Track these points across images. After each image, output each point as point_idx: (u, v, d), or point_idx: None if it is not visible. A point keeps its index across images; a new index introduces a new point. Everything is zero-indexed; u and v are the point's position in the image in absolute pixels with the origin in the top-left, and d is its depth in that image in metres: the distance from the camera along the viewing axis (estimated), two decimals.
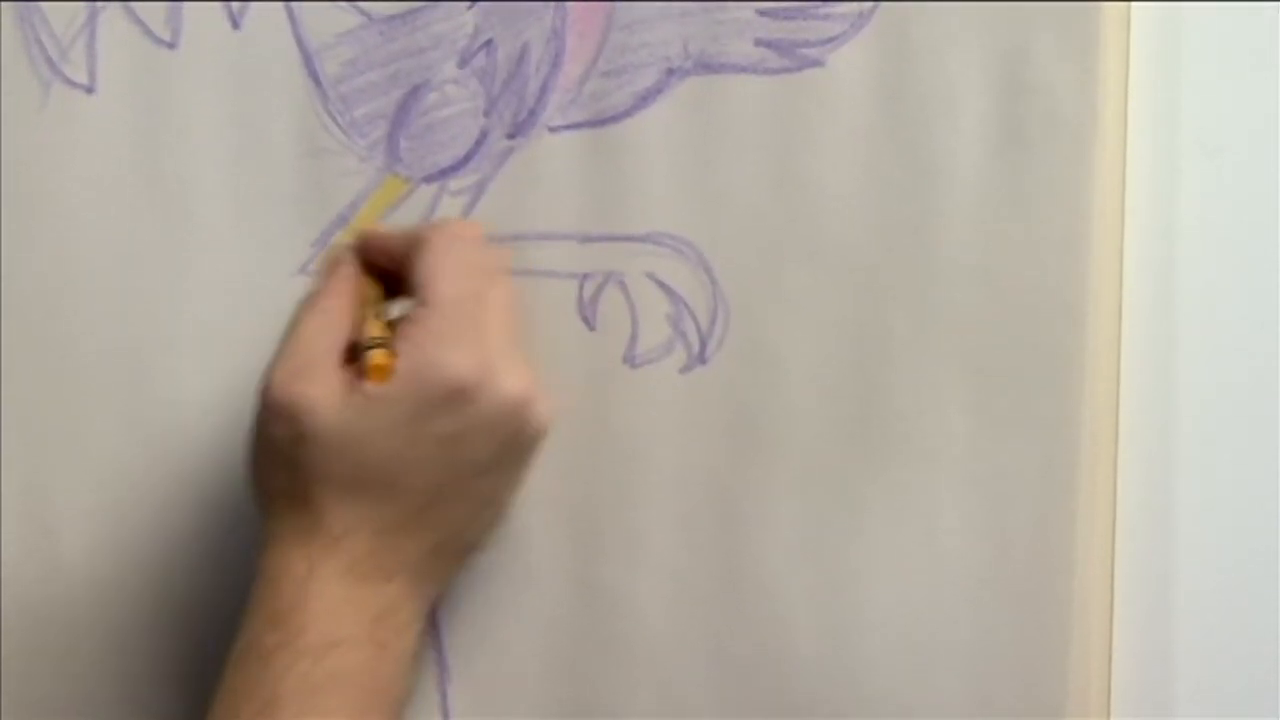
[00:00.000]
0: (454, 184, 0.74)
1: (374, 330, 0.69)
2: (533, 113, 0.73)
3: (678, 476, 0.71)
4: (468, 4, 0.73)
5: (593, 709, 0.73)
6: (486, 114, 0.73)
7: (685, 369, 0.71)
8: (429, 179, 0.74)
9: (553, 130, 0.73)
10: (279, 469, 0.68)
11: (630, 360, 0.72)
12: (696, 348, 0.71)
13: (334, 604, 0.66)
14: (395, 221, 0.75)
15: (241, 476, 0.75)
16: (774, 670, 0.71)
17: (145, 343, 0.79)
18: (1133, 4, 0.67)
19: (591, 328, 0.72)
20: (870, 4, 0.68)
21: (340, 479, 0.67)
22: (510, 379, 0.67)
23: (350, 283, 0.70)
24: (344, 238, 0.75)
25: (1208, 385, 0.68)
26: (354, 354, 0.69)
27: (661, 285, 0.71)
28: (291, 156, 0.76)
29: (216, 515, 0.78)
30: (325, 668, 0.65)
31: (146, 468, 0.79)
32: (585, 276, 0.72)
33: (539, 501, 0.72)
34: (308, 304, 0.70)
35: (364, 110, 0.75)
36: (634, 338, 0.72)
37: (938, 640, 0.68)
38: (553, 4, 0.72)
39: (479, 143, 0.73)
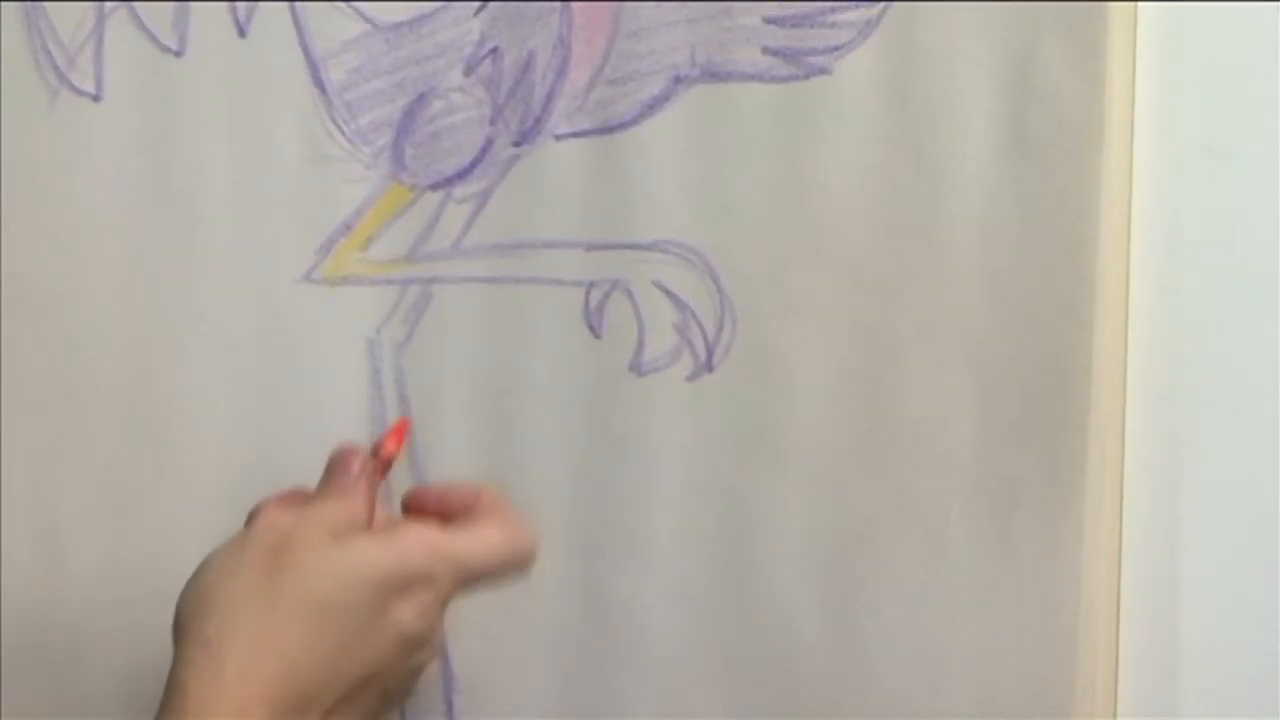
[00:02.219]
0: (459, 192, 0.74)
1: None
2: (539, 120, 0.73)
3: (685, 484, 0.72)
4: (473, 12, 0.73)
5: (601, 714, 0.73)
6: (492, 121, 0.73)
7: (692, 377, 0.71)
8: (434, 186, 0.74)
9: (559, 138, 0.73)
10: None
11: (637, 368, 0.72)
12: (703, 355, 0.71)
13: None
14: (400, 228, 0.75)
15: (242, 476, 0.76)
16: (781, 675, 0.71)
17: (150, 347, 0.79)
18: (1139, 8, 0.67)
19: (598, 336, 0.72)
20: (876, 11, 0.68)
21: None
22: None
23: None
24: (347, 244, 0.75)
25: (1214, 390, 0.68)
26: None
27: (668, 293, 0.71)
28: (297, 163, 0.76)
29: (219, 518, 0.78)
30: None
31: (150, 471, 0.79)
32: (592, 284, 0.72)
33: (546, 510, 0.72)
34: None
35: (369, 118, 0.75)
36: (641, 346, 0.72)
37: (945, 644, 0.68)
38: (559, 11, 0.72)
39: (484, 150, 0.73)
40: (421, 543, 0.66)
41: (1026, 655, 0.67)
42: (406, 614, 0.65)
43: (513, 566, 0.68)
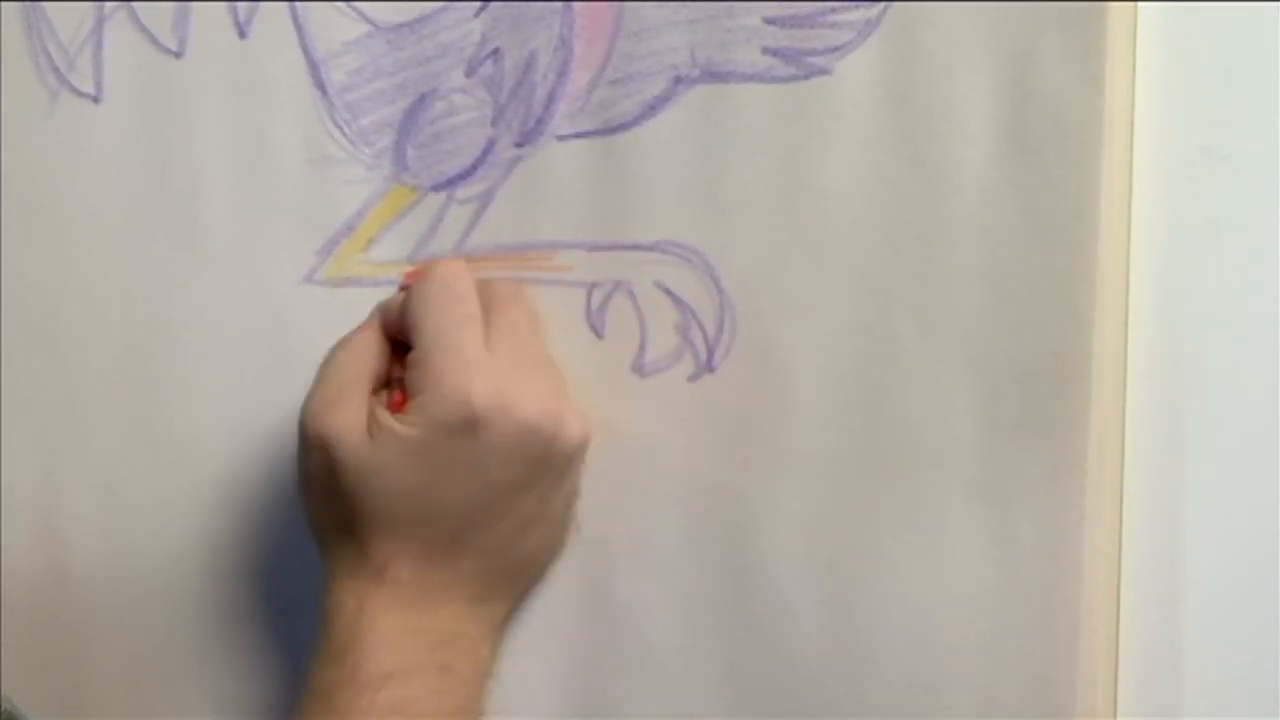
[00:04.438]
0: (461, 193, 0.74)
1: (399, 372, 0.70)
2: (540, 121, 0.73)
3: (687, 484, 0.72)
4: (475, 12, 0.73)
5: (604, 716, 0.73)
6: (494, 123, 0.73)
7: (693, 377, 0.71)
8: (436, 188, 0.74)
9: (560, 139, 0.73)
10: (323, 501, 0.69)
11: (639, 369, 0.72)
12: (704, 356, 0.71)
13: (388, 636, 0.67)
14: (402, 230, 0.75)
15: (244, 479, 0.76)
16: (783, 675, 0.71)
17: (151, 349, 0.79)
18: (1139, 8, 0.67)
19: (600, 336, 0.72)
20: (877, 12, 0.68)
21: (374, 508, 0.68)
22: (527, 401, 0.67)
23: (381, 323, 0.71)
24: (349, 245, 0.75)
25: (1214, 390, 0.68)
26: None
27: (670, 294, 0.71)
28: (298, 165, 0.76)
29: (220, 519, 0.79)
30: (386, 698, 0.66)
31: (152, 473, 0.79)
32: (593, 285, 0.72)
33: None
34: (338, 342, 0.71)
35: (370, 119, 0.75)
36: (642, 346, 0.72)
37: (946, 644, 0.68)
38: (560, 12, 0.72)
39: (486, 151, 0.73)
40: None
41: (1027, 655, 0.67)
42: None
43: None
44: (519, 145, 0.73)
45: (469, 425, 0.66)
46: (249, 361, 0.77)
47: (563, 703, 0.73)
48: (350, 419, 0.68)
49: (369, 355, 0.70)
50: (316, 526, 0.70)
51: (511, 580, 0.71)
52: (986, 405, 0.67)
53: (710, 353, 0.71)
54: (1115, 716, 0.68)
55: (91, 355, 0.79)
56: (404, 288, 0.72)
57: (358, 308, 0.75)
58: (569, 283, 0.73)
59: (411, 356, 0.69)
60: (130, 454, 0.79)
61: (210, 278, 0.78)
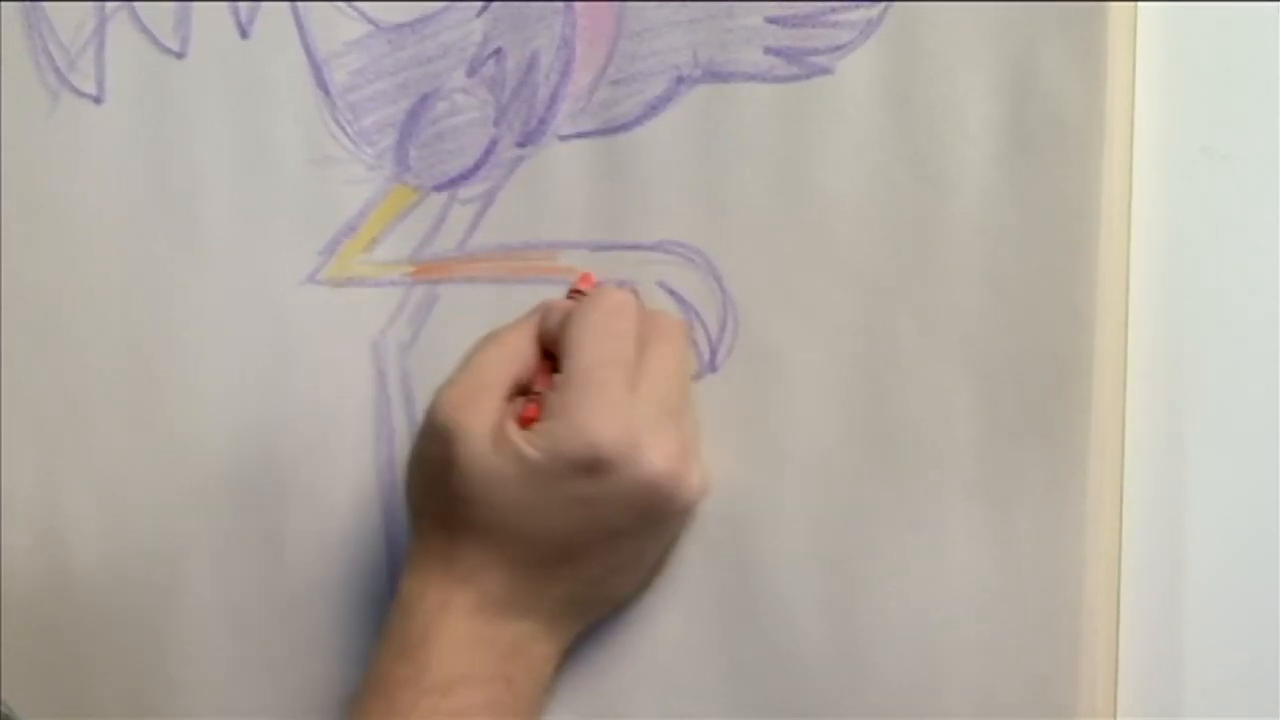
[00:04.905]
0: (463, 193, 0.74)
1: (543, 384, 0.69)
2: (542, 121, 0.73)
3: None
4: (476, 12, 0.73)
5: (604, 716, 0.73)
6: (496, 123, 0.73)
7: (696, 376, 0.71)
8: (438, 188, 0.74)
9: (563, 139, 0.73)
10: (429, 489, 0.69)
11: None
12: (707, 355, 0.71)
13: (462, 641, 0.67)
14: (405, 230, 0.75)
15: (244, 479, 0.76)
16: (783, 675, 0.71)
17: (152, 350, 0.79)
18: (1139, 8, 0.67)
19: None
20: (878, 11, 0.68)
21: (478, 514, 0.67)
22: (655, 453, 0.67)
23: (535, 328, 0.70)
24: (351, 245, 0.75)
25: (1214, 391, 0.68)
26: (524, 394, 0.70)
27: (672, 293, 0.71)
28: (299, 165, 0.76)
29: (221, 520, 0.78)
30: (449, 705, 0.66)
31: (152, 473, 0.79)
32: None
33: None
34: (491, 335, 0.70)
35: (373, 119, 0.75)
36: None
37: (946, 644, 0.68)
38: (562, 12, 0.72)
39: (488, 151, 0.73)
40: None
41: (1027, 655, 0.67)
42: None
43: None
44: (521, 145, 0.73)
45: (592, 467, 0.66)
46: (250, 362, 0.77)
47: (563, 702, 0.73)
48: (482, 419, 0.67)
49: (518, 359, 0.69)
50: (414, 511, 0.70)
51: (591, 611, 0.71)
52: (986, 405, 0.67)
53: (712, 352, 0.71)
54: (1115, 716, 0.68)
55: (92, 355, 0.79)
56: (574, 293, 0.72)
57: (360, 308, 0.75)
58: (571, 283, 0.73)
59: (557, 379, 0.68)
60: (130, 454, 0.79)
61: (212, 278, 0.78)
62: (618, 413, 0.66)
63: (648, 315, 0.70)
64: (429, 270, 0.75)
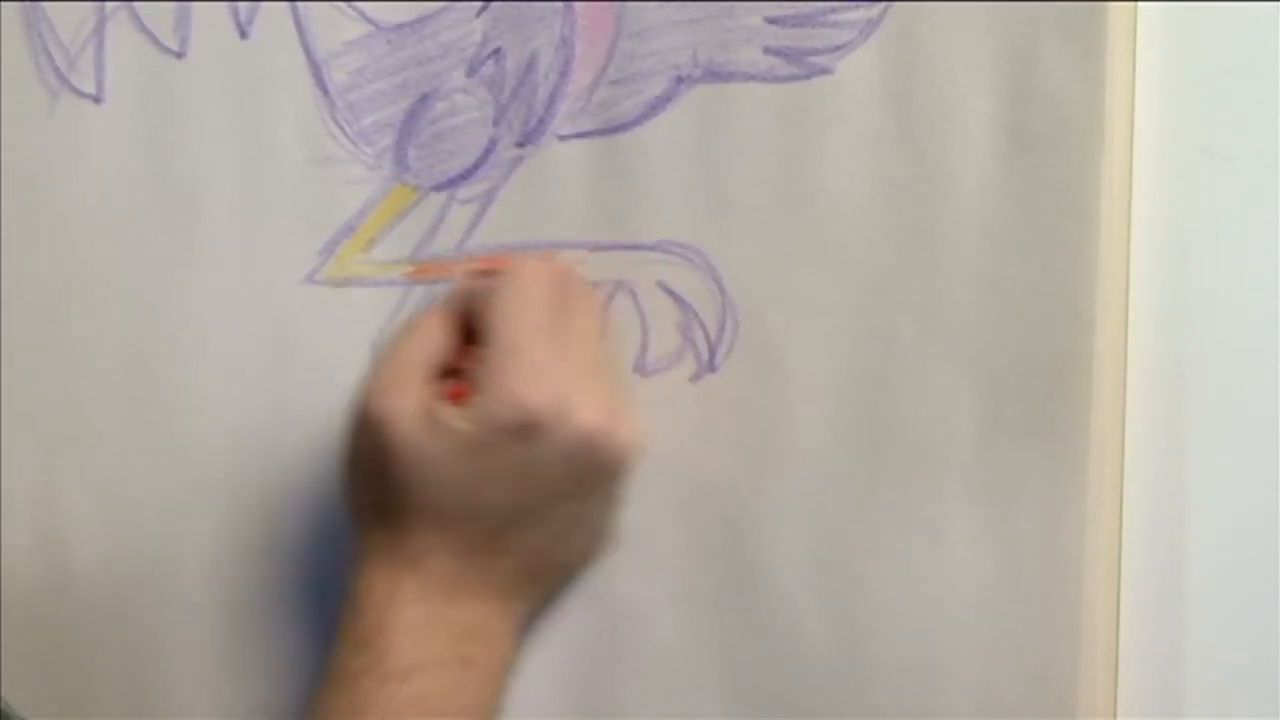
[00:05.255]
0: (463, 193, 0.74)
1: (467, 362, 0.69)
2: (542, 121, 0.73)
3: (687, 484, 0.72)
4: (476, 12, 0.73)
5: (604, 716, 0.73)
6: (495, 122, 0.73)
7: (695, 377, 0.71)
8: (438, 188, 0.74)
9: (562, 139, 0.73)
10: (366, 483, 0.69)
11: (641, 368, 0.72)
12: (706, 356, 0.71)
13: (417, 626, 0.67)
14: (404, 230, 0.75)
15: (244, 479, 0.76)
16: (783, 675, 0.71)
17: (153, 350, 0.79)
18: (1139, 8, 0.67)
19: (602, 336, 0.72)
20: (878, 11, 0.68)
21: (418, 497, 0.67)
22: (585, 411, 0.67)
23: (452, 310, 0.71)
24: (351, 245, 0.75)
25: (1214, 390, 0.68)
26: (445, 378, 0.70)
27: (671, 294, 0.71)
28: (299, 165, 0.76)
29: (221, 520, 0.78)
30: (409, 690, 0.66)
31: (152, 473, 0.79)
32: (595, 285, 0.72)
33: None
34: (406, 324, 0.71)
35: (372, 119, 0.75)
36: (644, 346, 0.72)
37: (947, 644, 0.68)
38: (561, 12, 0.72)
39: (488, 151, 0.73)
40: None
41: (1027, 654, 0.67)
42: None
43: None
44: (520, 145, 0.73)
45: (524, 430, 0.66)
46: (249, 361, 0.77)
47: (563, 702, 0.73)
48: (408, 404, 0.67)
49: (434, 342, 0.70)
50: (354, 506, 0.70)
51: (544, 582, 0.71)
52: (987, 405, 0.68)
53: (712, 352, 0.71)
54: (1115, 716, 0.68)
55: (92, 355, 0.79)
56: (482, 273, 0.72)
57: (359, 308, 0.75)
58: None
59: (482, 352, 0.68)
60: (130, 454, 0.79)
61: (211, 278, 0.78)
62: (545, 375, 0.67)
63: (562, 279, 0.71)
64: (428, 270, 0.75)
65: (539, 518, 0.68)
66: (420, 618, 0.67)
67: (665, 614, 0.72)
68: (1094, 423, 0.66)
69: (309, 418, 0.76)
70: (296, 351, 0.77)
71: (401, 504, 0.68)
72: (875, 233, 0.69)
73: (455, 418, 0.67)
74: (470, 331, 0.70)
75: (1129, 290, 0.68)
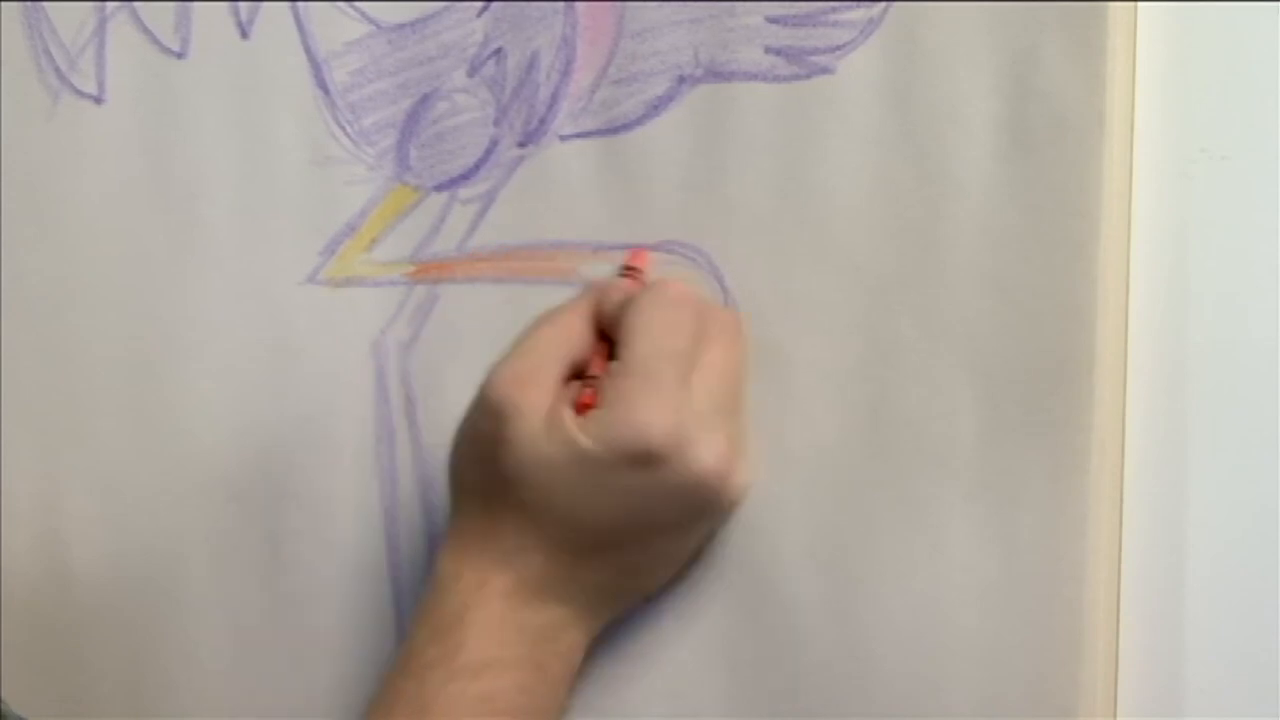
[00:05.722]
0: (464, 193, 0.74)
1: (598, 367, 0.69)
2: (543, 121, 0.73)
3: None
4: (477, 12, 0.73)
5: (604, 716, 0.73)
6: (497, 122, 0.73)
7: None
8: (439, 188, 0.74)
9: (564, 139, 0.73)
10: (476, 467, 0.68)
11: None
12: None
13: (495, 623, 0.67)
14: (405, 230, 0.75)
15: (245, 479, 0.76)
16: (784, 675, 0.70)
17: (154, 350, 0.79)
18: (1139, 8, 0.67)
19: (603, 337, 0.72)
20: (878, 11, 0.68)
21: (525, 493, 0.67)
22: (704, 450, 0.67)
23: (591, 308, 0.70)
24: (352, 245, 0.75)
25: (1215, 390, 0.67)
26: (578, 378, 0.69)
27: None
28: (300, 165, 0.76)
29: (222, 520, 0.78)
30: (478, 688, 0.66)
31: (152, 473, 0.79)
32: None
33: None
34: (547, 315, 0.70)
35: (373, 119, 0.75)
36: None
37: (947, 644, 0.68)
38: (562, 12, 0.72)
39: (489, 151, 0.73)
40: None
41: (1028, 654, 0.67)
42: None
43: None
44: (522, 145, 0.73)
45: (641, 459, 0.66)
46: (250, 362, 0.77)
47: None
48: (536, 401, 0.67)
49: (573, 340, 0.69)
50: (458, 487, 0.70)
51: (624, 600, 0.71)
52: (987, 405, 0.67)
53: None
54: (1115, 716, 0.68)
55: (92, 355, 0.79)
56: (627, 269, 0.71)
57: (360, 308, 0.75)
58: (572, 283, 0.73)
59: (613, 367, 0.68)
60: (130, 454, 0.79)
61: (212, 278, 0.78)
62: (670, 407, 0.66)
63: (707, 310, 0.70)
64: (429, 270, 0.75)
65: (637, 542, 0.68)
66: (501, 615, 0.67)
67: (666, 614, 0.72)
68: (1095, 423, 0.66)
69: (309, 418, 0.76)
70: (297, 351, 0.77)
71: (506, 497, 0.67)
72: (876, 232, 0.69)
73: (577, 429, 0.66)
74: (603, 333, 0.70)
75: (1129, 290, 0.68)
